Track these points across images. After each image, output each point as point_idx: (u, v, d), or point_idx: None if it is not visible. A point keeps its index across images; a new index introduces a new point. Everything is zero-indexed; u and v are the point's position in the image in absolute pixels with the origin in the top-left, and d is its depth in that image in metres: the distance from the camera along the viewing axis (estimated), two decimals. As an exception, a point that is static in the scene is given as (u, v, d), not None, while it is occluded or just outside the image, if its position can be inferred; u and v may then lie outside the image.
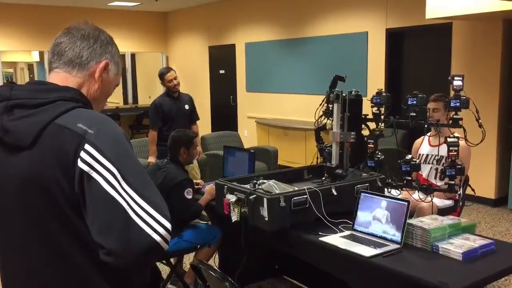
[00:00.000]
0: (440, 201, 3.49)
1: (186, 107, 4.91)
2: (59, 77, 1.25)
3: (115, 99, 10.75)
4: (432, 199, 2.83)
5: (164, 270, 3.58)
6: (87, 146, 1.09)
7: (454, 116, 2.73)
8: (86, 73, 1.26)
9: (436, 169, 3.59)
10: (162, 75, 4.81)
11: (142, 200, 1.10)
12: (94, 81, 1.27)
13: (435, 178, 3.57)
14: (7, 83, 1.42)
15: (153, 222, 1.09)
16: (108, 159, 1.10)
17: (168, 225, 1.11)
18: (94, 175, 1.08)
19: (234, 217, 2.70)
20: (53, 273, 1.16)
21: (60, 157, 1.10)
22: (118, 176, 1.09)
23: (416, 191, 3.02)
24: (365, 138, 3.04)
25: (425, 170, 3.63)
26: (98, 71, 1.26)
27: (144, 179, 1.14)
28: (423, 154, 3.74)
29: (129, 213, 1.08)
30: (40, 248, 1.16)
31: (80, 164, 1.09)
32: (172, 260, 3.48)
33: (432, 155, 3.66)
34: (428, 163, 3.67)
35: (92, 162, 1.09)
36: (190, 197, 3.20)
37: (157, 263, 3.00)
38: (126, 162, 1.13)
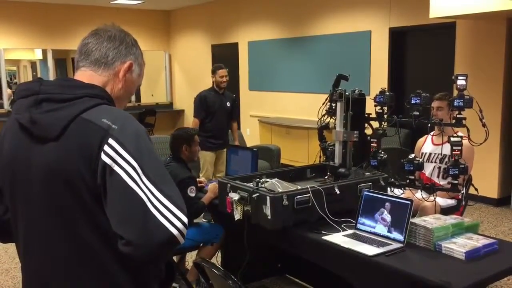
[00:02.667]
0: (443, 201, 3.48)
1: (228, 104, 5.25)
2: (85, 75, 1.30)
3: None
4: (435, 199, 2.82)
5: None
6: (110, 141, 1.14)
7: (458, 116, 2.73)
8: (111, 72, 1.31)
9: (439, 167, 3.58)
10: (215, 70, 5.23)
11: (160, 194, 1.14)
12: (118, 80, 1.32)
13: (438, 176, 3.57)
14: (36, 78, 1.50)
15: (170, 216, 1.13)
16: (130, 153, 1.14)
17: (185, 219, 1.15)
18: (116, 168, 1.13)
19: (237, 216, 2.70)
20: (73, 261, 1.21)
21: (84, 150, 1.15)
22: (139, 170, 1.14)
23: (419, 190, 3.02)
24: (368, 137, 3.04)
25: (428, 169, 3.63)
26: (122, 71, 1.32)
27: (163, 174, 1.19)
28: (426, 153, 3.74)
29: (148, 206, 1.12)
30: (62, 236, 1.20)
31: (104, 157, 1.14)
32: (174, 258, 3.49)
33: (435, 153, 3.66)
34: (431, 161, 3.67)
35: (115, 156, 1.13)
36: (193, 195, 3.20)
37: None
38: (147, 157, 1.17)
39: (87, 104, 1.19)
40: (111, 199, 1.14)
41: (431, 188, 2.84)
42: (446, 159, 3.44)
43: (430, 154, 3.70)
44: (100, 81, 1.30)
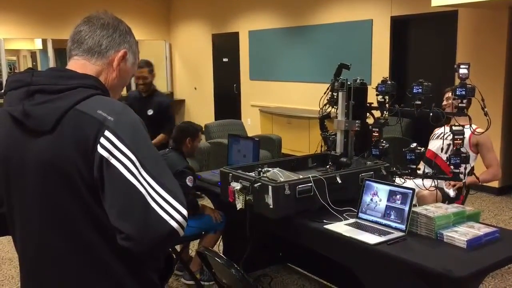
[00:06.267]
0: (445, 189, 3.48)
1: (149, 112, 4.22)
2: (78, 65, 1.27)
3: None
4: (437, 185, 2.82)
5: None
6: (107, 133, 1.12)
7: (460, 105, 2.72)
8: (105, 61, 1.28)
9: (448, 144, 3.55)
10: None
11: (159, 187, 1.13)
12: (112, 69, 1.29)
13: (442, 151, 3.52)
14: (27, 69, 1.42)
15: (170, 209, 1.12)
16: (127, 146, 1.12)
17: (184, 211, 1.14)
18: (113, 161, 1.11)
19: (239, 205, 2.71)
20: (69, 254, 1.19)
21: (80, 142, 1.13)
22: (137, 163, 1.12)
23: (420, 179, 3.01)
24: (370, 126, 3.03)
25: (437, 144, 3.61)
26: (116, 60, 1.29)
27: (161, 167, 1.17)
28: (437, 133, 3.73)
29: (147, 200, 1.10)
30: (58, 230, 1.19)
31: (100, 150, 1.11)
32: (177, 247, 3.51)
33: (446, 132, 3.64)
34: (440, 138, 3.63)
35: (112, 148, 1.11)
36: (191, 184, 3.22)
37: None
38: (144, 149, 1.15)
39: (81, 95, 1.16)
40: (109, 193, 1.11)
41: (432, 176, 2.84)
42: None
43: (441, 132, 3.68)
44: (93, 70, 1.26)
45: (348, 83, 3.02)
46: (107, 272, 1.20)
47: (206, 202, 5.16)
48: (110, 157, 1.11)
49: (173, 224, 1.11)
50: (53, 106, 1.15)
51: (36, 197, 1.19)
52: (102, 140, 1.11)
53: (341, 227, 2.41)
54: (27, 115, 1.16)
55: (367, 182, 2.58)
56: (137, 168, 1.11)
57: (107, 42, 1.27)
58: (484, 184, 3.93)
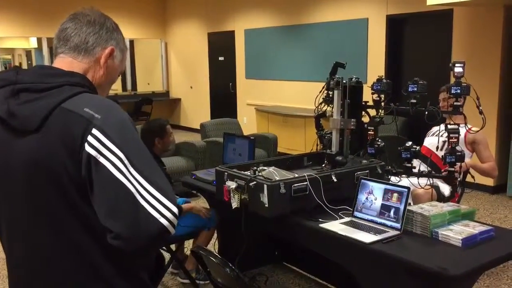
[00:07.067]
0: (442, 187, 3.48)
1: None
2: (65, 62, 1.25)
3: (114, 86, 10.66)
4: (432, 184, 2.82)
5: (165, 256, 3.59)
6: (94, 131, 1.10)
7: (455, 103, 2.72)
8: (92, 59, 1.26)
9: (444, 141, 3.56)
10: None
11: (149, 185, 1.11)
12: (100, 67, 1.27)
13: (437, 150, 3.53)
14: (12, 67, 1.41)
15: (160, 207, 1.10)
16: (115, 144, 1.10)
17: (175, 209, 1.12)
18: (102, 160, 1.09)
19: (234, 204, 2.70)
20: (57, 254, 1.18)
21: (66, 141, 1.11)
22: (126, 162, 1.10)
23: (415, 177, 3.01)
24: (365, 125, 3.03)
25: (433, 141, 3.61)
26: (103, 57, 1.27)
27: (150, 165, 1.15)
28: (433, 130, 3.74)
29: (137, 198, 1.09)
30: (46, 230, 1.17)
31: (88, 148, 1.09)
32: (172, 246, 3.49)
33: (442, 130, 3.64)
34: (435, 135, 3.64)
35: (100, 147, 1.09)
36: None
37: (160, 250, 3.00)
38: (133, 147, 1.14)
39: (67, 93, 1.14)
40: (98, 192, 1.10)
41: (427, 175, 2.84)
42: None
43: (437, 130, 3.69)
44: (80, 68, 1.24)
45: (344, 81, 3.02)
46: (96, 272, 1.18)
47: (201, 201, 5.17)
48: (98, 155, 1.09)
49: (164, 222, 1.10)
50: (39, 104, 1.13)
51: (23, 197, 1.18)
52: (90, 138, 1.10)
53: (336, 226, 2.41)
54: (12, 114, 1.14)
55: (362, 180, 2.58)
56: (126, 166, 1.10)
57: (93, 39, 1.25)
58: (479, 182, 3.94)
